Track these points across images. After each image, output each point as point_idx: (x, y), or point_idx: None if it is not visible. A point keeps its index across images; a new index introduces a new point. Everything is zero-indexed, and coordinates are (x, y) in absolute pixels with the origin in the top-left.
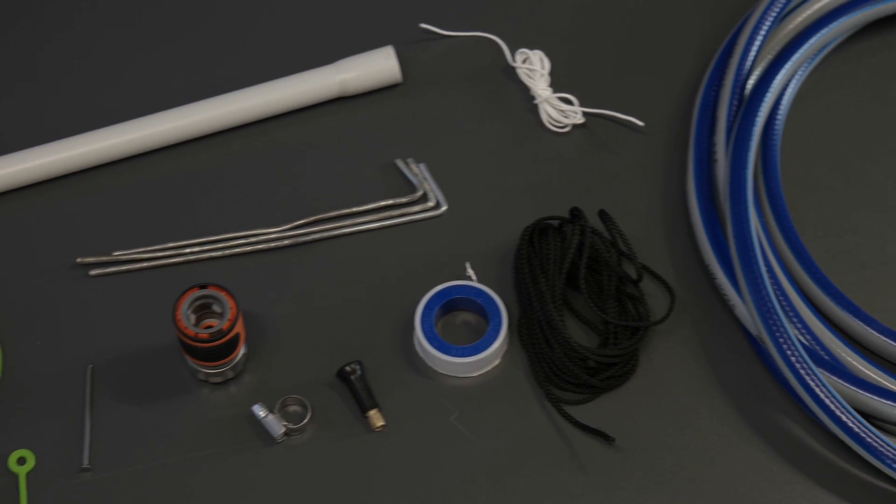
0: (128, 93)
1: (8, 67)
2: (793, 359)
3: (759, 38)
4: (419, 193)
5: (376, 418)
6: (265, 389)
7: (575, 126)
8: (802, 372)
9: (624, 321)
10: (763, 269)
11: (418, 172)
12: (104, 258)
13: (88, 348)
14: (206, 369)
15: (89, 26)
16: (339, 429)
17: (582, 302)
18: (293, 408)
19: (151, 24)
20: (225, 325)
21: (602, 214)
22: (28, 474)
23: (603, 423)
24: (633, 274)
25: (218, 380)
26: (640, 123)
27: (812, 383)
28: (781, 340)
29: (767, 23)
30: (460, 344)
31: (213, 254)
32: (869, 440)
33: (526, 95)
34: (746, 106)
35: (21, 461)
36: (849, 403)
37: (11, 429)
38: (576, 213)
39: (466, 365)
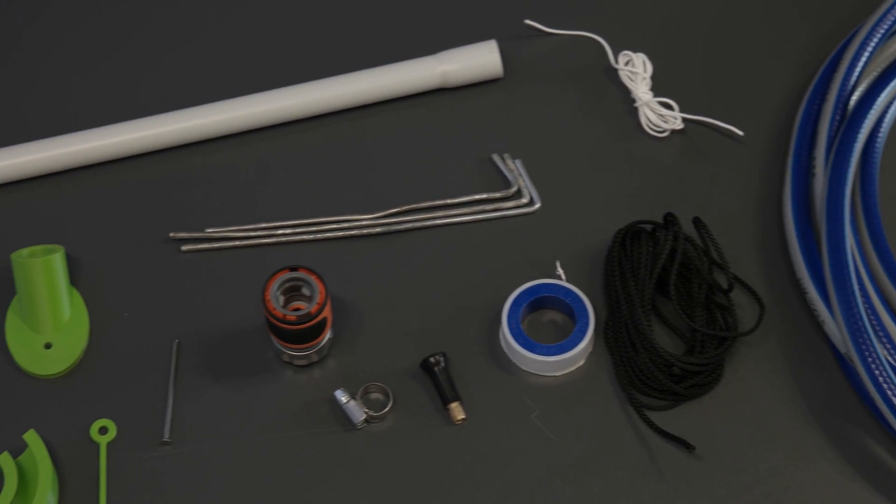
0: (234, 71)
1: (113, 37)
2: (880, 378)
3: (866, 54)
4: (513, 189)
5: (457, 411)
6: (348, 375)
7: (673, 131)
8: (889, 392)
9: (711, 330)
10: (856, 286)
11: (514, 168)
12: (196, 234)
13: (176, 323)
14: (291, 351)
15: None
16: (420, 419)
17: (670, 308)
18: (375, 395)
19: (263, 4)
20: (313, 308)
21: (696, 222)
22: (109, 444)
23: (683, 432)
24: (723, 284)
25: (302, 363)
26: (740, 133)
27: None
28: (870, 359)
29: (875, 39)
30: (546, 342)
31: (305, 237)
32: None
33: (626, 98)
34: (849, 122)
35: (103, 431)
36: None
37: (95, 398)
38: (670, 219)
39: (551, 364)
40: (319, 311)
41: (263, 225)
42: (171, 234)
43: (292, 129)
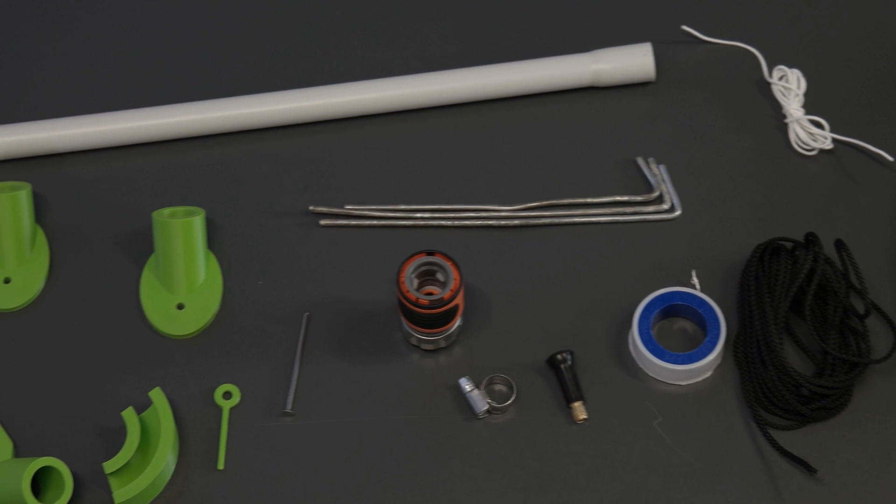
0: (395, 53)
1: (287, 7)
2: None
3: None
4: (655, 194)
5: (580, 410)
6: (474, 364)
7: (822, 151)
8: None
9: (844, 354)
10: None
11: (657, 173)
12: (336, 210)
13: (308, 296)
14: (419, 335)
15: None
16: (541, 415)
17: (803, 328)
18: (499, 387)
19: None
20: (446, 294)
21: (839, 244)
22: (232, 409)
23: (806, 453)
24: (860, 309)
25: (430, 347)
26: (890, 158)
27: None
28: None
29: None
30: (675, 350)
31: (443, 222)
32: None
33: (777, 113)
34: None
35: (227, 395)
36: None
37: (222, 363)
38: (811, 239)
39: (678, 372)
40: (452, 298)
41: (402, 207)
42: (311, 208)
43: (440, 113)
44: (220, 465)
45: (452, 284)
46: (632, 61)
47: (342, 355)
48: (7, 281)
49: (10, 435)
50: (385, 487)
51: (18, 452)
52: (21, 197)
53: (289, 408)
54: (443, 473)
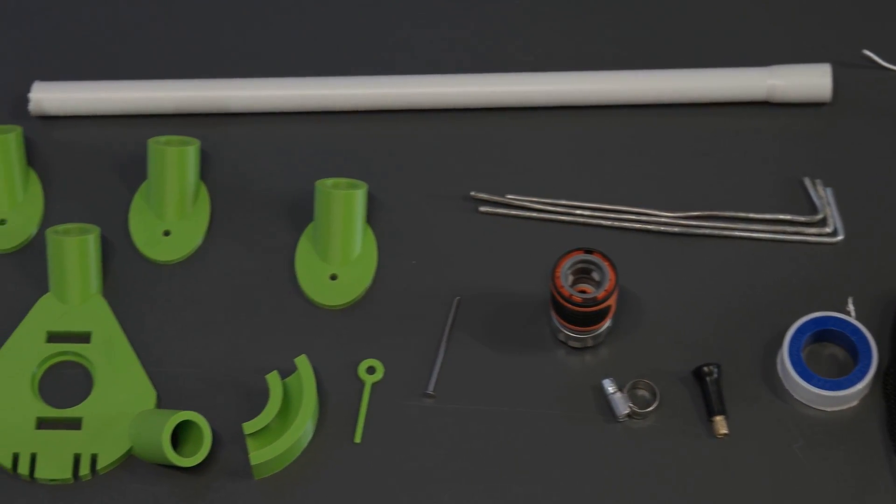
0: (574, 47)
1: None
2: None
3: None
4: (819, 216)
5: (721, 425)
6: (618, 367)
7: None
8: None
9: None
10: None
11: (823, 195)
12: (496, 198)
13: (460, 280)
14: (568, 332)
15: None
16: (682, 425)
17: None
18: (642, 392)
19: None
20: (600, 294)
21: None
22: (374, 384)
23: None
24: None
25: (576, 345)
26: None
27: None
28: None
29: None
30: (823, 375)
31: (602, 222)
32: None
33: None
34: None
35: (370, 370)
36: None
37: (369, 338)
38: None
39: (824, 398)
40: (606, 298)
41: (563, 202)
42: (472, 194)
43: (607, 112)
44: (357, 439)
45: (607, 285)
46: (809, 80)
47: (488, 343)
48: (167, 233)
49: (154, 385)
50: (516, 480)
51: (160, 404)
52: (188, 153)
53: (431, 389)
54: (576, 472)
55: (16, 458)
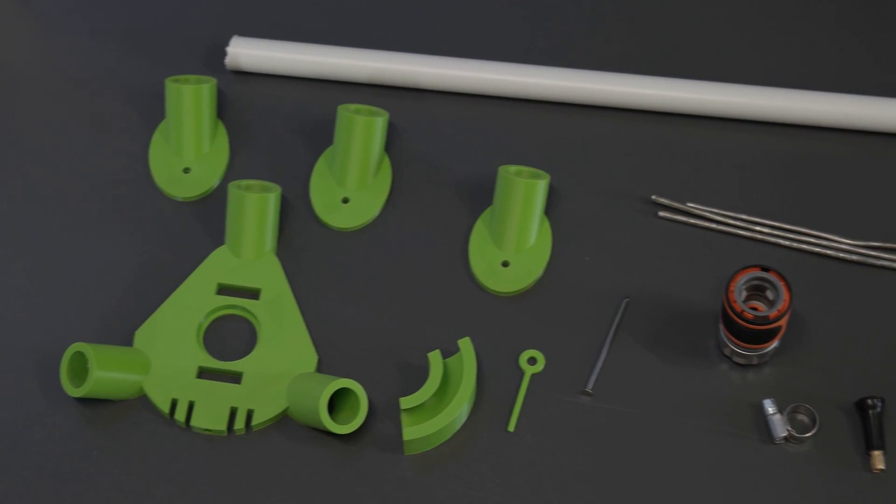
0: (782, 60)
1: None
2: None
3: None
4: None
5: (878, 460)
6: (780, 389)
7: None
8: None
9: None
10: None
11: None
12: (677, 205)
13: (630, 281)
14: (735, 347)
15: None
16: (838, 455)
17: None
18: (801, 417)
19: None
20: (773, 313)
21: None
22: (533, 375)
23: None
24: None
25: (741, 361)
26: None
27: None
28: None
29: None
30: None
31: (780, 241)
32: None
33: None
34: None
35: (531, 361)
36: None
37: (533, 329)
38: None
39: None
40: (778, 318)
41: (743, 216)
42: (653, 197)
43: (801, 132)
44: (511, 428)
45: (781, 305)
46: None
47: (651, 348)
48: (345, 201)
49: (316, 349)
50: (662, 488)
51: (320, 368)
52: (377, 123)
53: (589, 387)
54: (725, 488)
55: (174, 404)
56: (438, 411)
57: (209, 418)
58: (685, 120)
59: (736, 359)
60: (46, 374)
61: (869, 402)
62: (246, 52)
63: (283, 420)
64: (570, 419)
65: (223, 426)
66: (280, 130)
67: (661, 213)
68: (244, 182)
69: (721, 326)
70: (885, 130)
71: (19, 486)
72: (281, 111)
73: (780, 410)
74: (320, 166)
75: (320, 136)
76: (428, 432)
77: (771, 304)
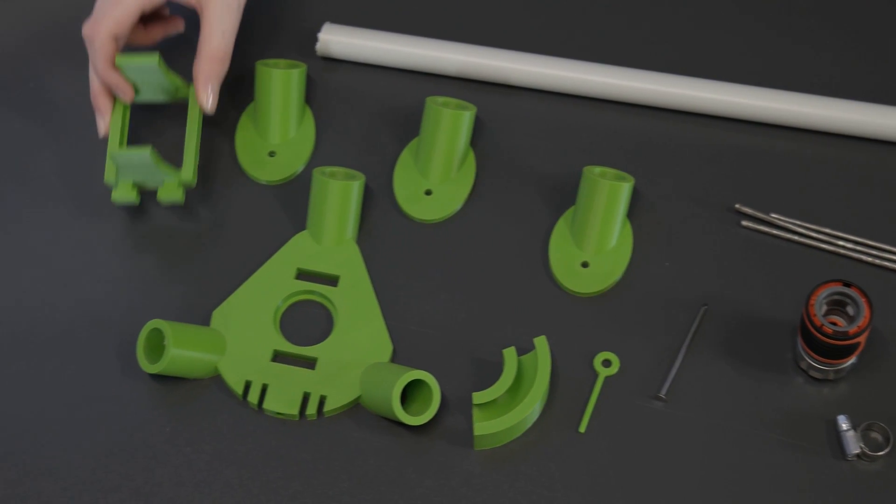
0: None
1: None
2: None
3: None
4: None
5: None
6: (855, 406)
7: None
8: None
9: None
10: None
11: None
12: (761, 215)
13: (709, 289)
14: (812, 361)
15: None
16: None
17: None
18: (875, 435)
19: None
20: (853, 329)
21: None
22: (607, 378)
23: None
24: None
25: (817, 375)
26: None
27: None
28: None
29: None
30: None
31: (863, 257)
32: None
33: None
34: None
35: (606, 363)
36: None
37: (609, 331)
38: None
39: None
40: (857, 335)
41: (827, 230)
42: (737, 206)
43: (876, 147)
44: (582, 429)
45: (861, 321)
46: None
47: (728, 358)
48: (428, 193)
49: (391, 339)
50: (731, 498)
51: (394, 358)
52: (464, 117)
53: (663, 393)
54: (794, 502)
55: (247, 386)
56: (510, 408)
57: (282, 402)
58: (772, 130)
59: (812, 373)
60: (124, 350)
61: None
62: (337, 40)
63: (355, 408)
64: (642, 424)
65: (295, 411)
66: (367, 119)
67: (745, 223)
68: (329, 169)
69: (799, 339)
70: None
71: (91, 459)
72: (368, 100)
73: (854, 427)
74: (405, 157)
75: (407, 127)
76: (499, 429)
77: (851, 319)
